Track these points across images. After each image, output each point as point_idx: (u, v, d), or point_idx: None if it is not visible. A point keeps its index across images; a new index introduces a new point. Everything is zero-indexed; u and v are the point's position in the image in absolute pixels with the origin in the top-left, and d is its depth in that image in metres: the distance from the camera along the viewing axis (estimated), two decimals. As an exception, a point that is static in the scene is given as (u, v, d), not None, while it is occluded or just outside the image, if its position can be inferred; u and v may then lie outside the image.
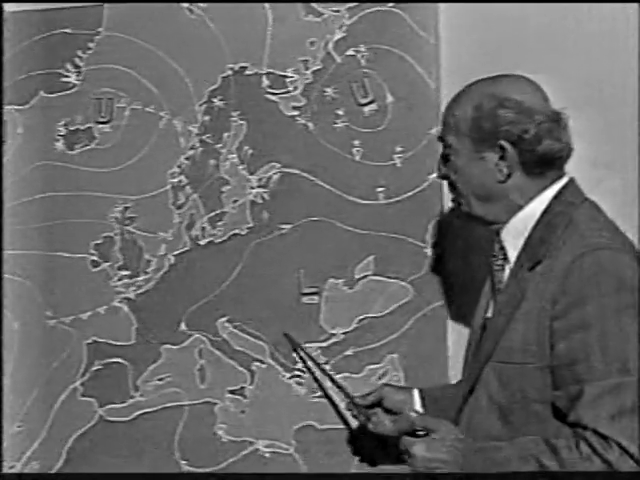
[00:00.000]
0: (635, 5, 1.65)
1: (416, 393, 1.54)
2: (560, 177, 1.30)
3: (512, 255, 1.30)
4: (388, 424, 1.50)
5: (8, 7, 1.83)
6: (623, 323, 1.14)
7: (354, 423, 1.68)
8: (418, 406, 1.52)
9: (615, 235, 1.24)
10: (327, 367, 1.68)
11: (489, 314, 1.37)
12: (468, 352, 1.41)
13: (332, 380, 1.61)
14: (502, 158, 1.27)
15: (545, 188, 1.29)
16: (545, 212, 1.27)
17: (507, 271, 1.31)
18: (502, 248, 1.33)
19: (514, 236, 1.30)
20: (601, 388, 1.13)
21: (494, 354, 1.27)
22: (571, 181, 1.31)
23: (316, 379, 1.72)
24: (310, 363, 1.70)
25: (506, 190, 1.29)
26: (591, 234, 1.21)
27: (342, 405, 1.68)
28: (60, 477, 1.80)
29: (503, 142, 1.26)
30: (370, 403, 1.53)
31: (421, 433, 1.29)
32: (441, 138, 1.36)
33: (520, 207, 1.29)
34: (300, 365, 1.73)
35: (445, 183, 1.65)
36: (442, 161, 1.37)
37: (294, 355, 1.73)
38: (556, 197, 1.28)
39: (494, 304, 1.34)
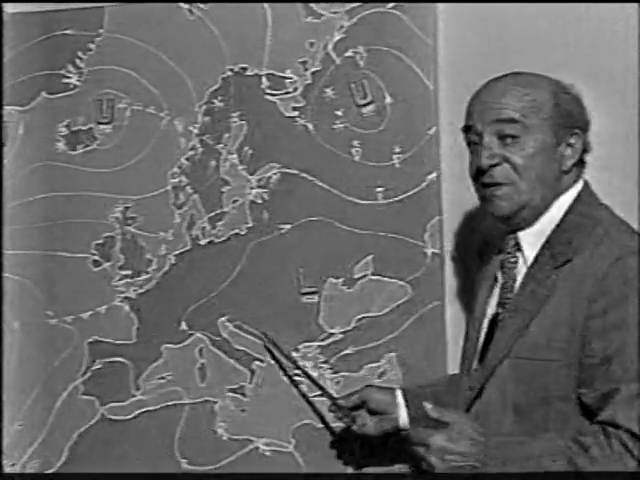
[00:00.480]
0: (635, 5, 1.65)
1: (399, 393, 1.53)
2: (577, 180, 1.33)
3: (530, 254, 1.30)
4: (372, 425, 1.52)
5: (10, 9, 1.83)
6: None
7: (337, 426, 1.67)
8: (402, 406, 1.52)
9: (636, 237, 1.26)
10: (309, 371, 1.67)
11: (490, 310, 1.37)
12: (466, 349, 1.41)
13: (315, 383, 1.60)
14: (570, 146, 1.29)
15: (568, 189, 1.31)
16: (567, 213, 1.29)
17: (522, 269, 1.31)
18: (516, 245, 1.33)
19: (534, 235, 1.31)
20: (636, 389, 1.13)
21: (512, 350, 1.26)
22: (587, 184, 1.33)
23: (294, 383, 1.72)
24: (285, 363, 1.70)
25: (561, 181, 1.30)
26: (624, 237, 1.24)
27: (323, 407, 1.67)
28: (59, 477, 1.80)
29: (578, 130, 1.30)
30: (353, 405, 1.53)
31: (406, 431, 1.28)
32: (505, 123, 1.28)
33: (542, 211, 1.30)
34: (280, 371, 1.73)
35: (443, 184, 1.69)
36: (500, 143, 1.29)
37: (294, 355, 1.72)
38: (577, 199, 1.30)
39: (504, 300, 1.33)
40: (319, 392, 1.62)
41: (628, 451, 1.11)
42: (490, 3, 1.68)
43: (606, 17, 1.66)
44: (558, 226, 1.29)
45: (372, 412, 1.53)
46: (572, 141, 1.30)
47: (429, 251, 1.69)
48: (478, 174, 1.31)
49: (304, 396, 1.72)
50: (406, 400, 1.52)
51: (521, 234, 1.32)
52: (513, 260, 1.33)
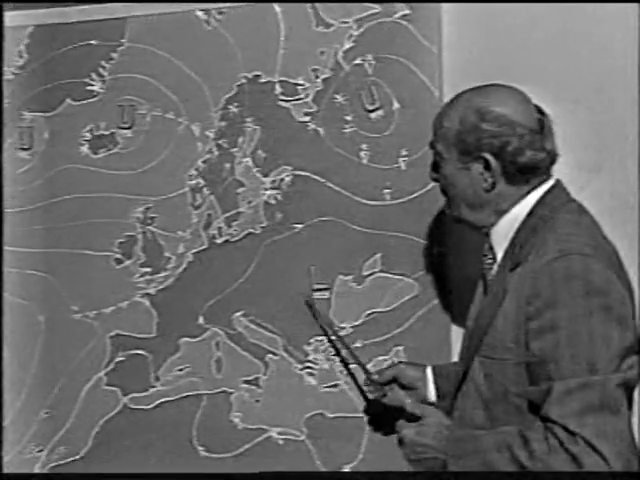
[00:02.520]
0: (635, 5, 1.64)
1: (429, 370, 1.57)
2: (545, 180, 1.31)
3: (499, 255, 1.32)
4: (403, 397, 1.54)
5: (33, 20, 1.87)
6: (592, 325, 1.15)
7: (371, 396, 1.70)
8: (431, 382, 1.56)
9: (591, 240, 1.23)
10: (350, 341, 1.70)
11: (474, 308, 1.42)
12: (462, 345, 1.44)
13: (352, 355, 1.63)
14: (486, 169, 1.29)
15: (529, 192, 1.30)
16: (529, 215, 1.28)
17: (495, 270, 1.33)
18: (491, 248, 1.34)
19: (501, 237, 1.32)
20: (568, 386, 1.15)
21: (480, 349, 1.30)
22: (557, 184, 1.31)
23: (337, 350, 1.75)
24: (332, 336, 1.73)
25: (492, 198, 1.30)
26: (565, 239, 1.21)
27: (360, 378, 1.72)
28: (59, 477, 1.82)
29: (486, 154, 1.27)
30: (386, 380, 1.57)
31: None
32: (432, 146, 1.37)
33: (506, 211, 1.31)
34: (321, 338, 1.76)
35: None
36: (433, 167, 1.39)
37: (306, 348, 1.77)
38: (540, 201, 1.29)
39: (482, 301, 1.37)
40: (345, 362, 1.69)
41: (562, 446, 1.13)
42: (493, 10, 1.69)
43: (606, 17, 1.66)
44: (519, 230, 1.29)
45: (403, 387, 1.57)
46: (480, 166, 1.29)
47: (434, 249, 1.73)
48: None
49: (343, 361, 1.75)
50: (435, 376, 1.56)
51: (492, 235, 1.34)
52: (488, 262, 1.36)
